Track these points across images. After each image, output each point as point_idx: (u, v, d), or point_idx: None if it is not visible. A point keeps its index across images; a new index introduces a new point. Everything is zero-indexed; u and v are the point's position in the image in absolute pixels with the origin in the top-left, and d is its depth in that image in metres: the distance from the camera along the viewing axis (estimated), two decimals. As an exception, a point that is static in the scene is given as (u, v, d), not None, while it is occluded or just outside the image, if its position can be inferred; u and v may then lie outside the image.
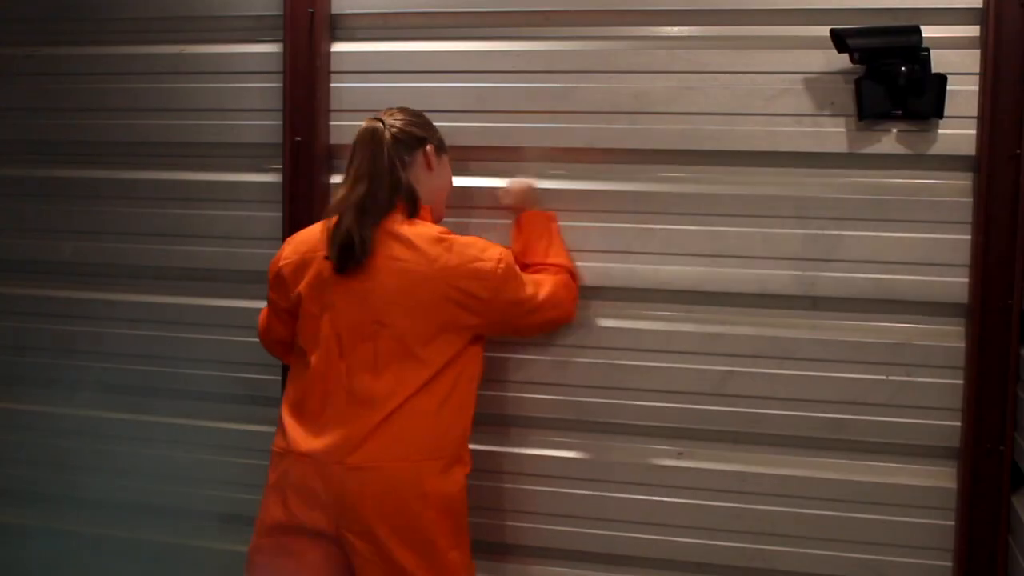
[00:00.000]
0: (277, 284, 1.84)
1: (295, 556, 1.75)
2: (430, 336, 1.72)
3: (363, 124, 1.81)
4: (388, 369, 1.71)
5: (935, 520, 1.93)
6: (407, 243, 1.72)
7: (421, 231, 1.75)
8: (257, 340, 2.00)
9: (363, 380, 1.72)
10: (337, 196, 1.78)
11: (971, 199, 1.87)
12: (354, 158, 1.79)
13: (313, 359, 1.76)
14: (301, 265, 1.79)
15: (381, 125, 1.78)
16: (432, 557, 1.72)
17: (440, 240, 1.74)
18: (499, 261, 1.75)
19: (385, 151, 1.76)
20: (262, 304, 1.94)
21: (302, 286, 1.78)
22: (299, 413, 1.77)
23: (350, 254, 1.71)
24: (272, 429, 2.13)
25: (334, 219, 1.75)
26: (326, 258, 1.74)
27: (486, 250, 1.76)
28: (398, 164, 1.77)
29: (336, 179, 2.13)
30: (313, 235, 1.82)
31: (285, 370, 2.12)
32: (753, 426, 1.98)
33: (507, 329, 1.88)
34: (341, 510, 1.70)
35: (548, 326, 1.96)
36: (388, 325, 1.71)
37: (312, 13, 2.08)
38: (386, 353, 1.72)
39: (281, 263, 1.83)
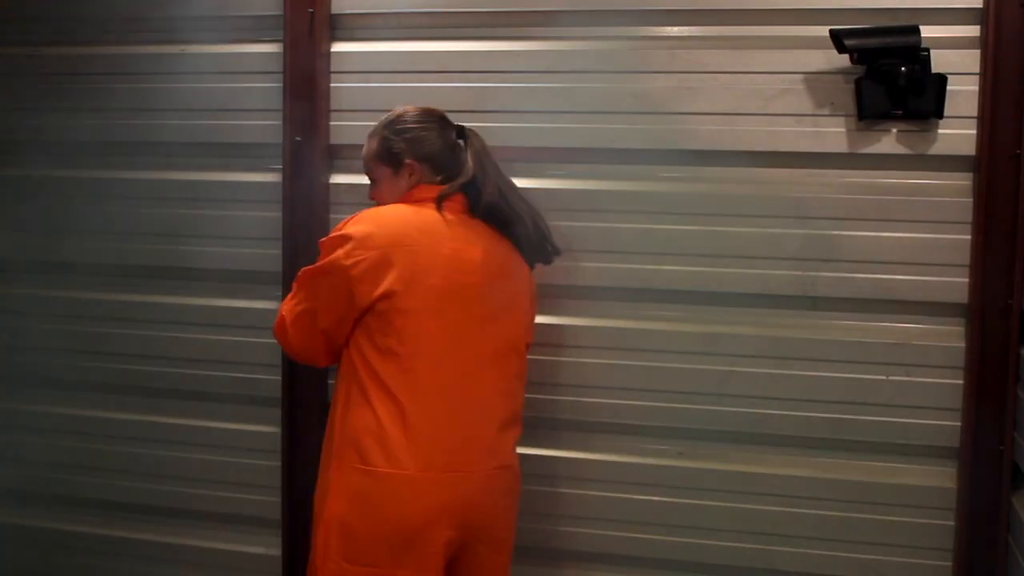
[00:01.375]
0: (352, 281, 1.64)
1: None
2: (523, 331, 1.80)
3: (470, 129, 1.82)
4: (496, 368, 1.72)
5: (935, 520, 1.93)
6: (500, 238, 1.77)
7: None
8: (256, 340, 1.99)
9: (476, 383, 1.70)
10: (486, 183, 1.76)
11: (971, 199, 1.87)
12: (486, 164, 1.79)
13: (416, 362, 1.64)
14: (382, 261, 1.63)
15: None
16: (511, 547, 1.81)
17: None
18: None
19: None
20: (262, 304, 1.94)
21: (396, 282, 1.63)
22: (406, 425, 1.63)
23: (544, 253, 1.84)
24: (272, 429, 2.12)
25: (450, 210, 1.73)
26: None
27: None
28: None
29: (337, 179, 2.13)
30: (401, 225, 1.67)
31: (285, 370, 2.12)
32: (753, 426, 1.98)
33: None
34: (466, 519, 1.66)
35: None
36: (496, 321, 1.72)
37: (312, 13, 2.08)
38: (496, 352, 1.72)
39: (356, 259, 1.63)
